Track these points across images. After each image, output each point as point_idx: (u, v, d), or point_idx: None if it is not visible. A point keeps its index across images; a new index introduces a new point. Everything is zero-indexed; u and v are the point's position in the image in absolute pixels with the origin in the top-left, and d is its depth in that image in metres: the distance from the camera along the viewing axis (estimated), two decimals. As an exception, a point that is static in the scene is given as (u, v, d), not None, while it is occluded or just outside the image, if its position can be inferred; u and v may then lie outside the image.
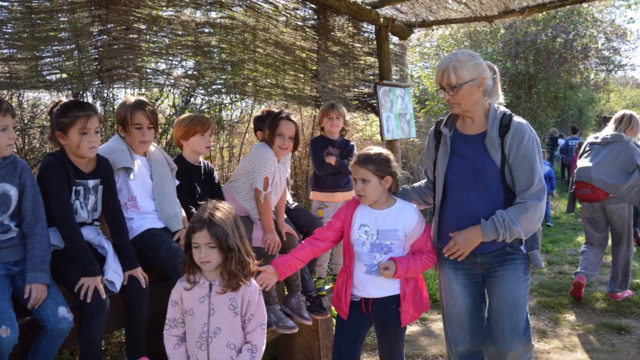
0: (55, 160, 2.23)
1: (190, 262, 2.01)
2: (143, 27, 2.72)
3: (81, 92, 3.70)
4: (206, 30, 3.05)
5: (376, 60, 4.53)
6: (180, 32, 2.89)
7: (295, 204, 3.30)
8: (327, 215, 3.38)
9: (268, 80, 3.55)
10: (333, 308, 2.66)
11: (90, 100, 4.07)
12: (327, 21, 4.00)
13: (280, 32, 3.59)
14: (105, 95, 4.27)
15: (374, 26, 4.44)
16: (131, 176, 2.51)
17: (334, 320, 2.72)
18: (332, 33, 4.07)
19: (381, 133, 4.33)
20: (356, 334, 2.42)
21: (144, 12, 2.69)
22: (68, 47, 2.42)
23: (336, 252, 3.58)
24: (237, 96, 4.91)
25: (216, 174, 3.01)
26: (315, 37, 3.92)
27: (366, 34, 4.49)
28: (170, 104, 4.97)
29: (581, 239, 7.12)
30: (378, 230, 2.33)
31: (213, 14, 3.15)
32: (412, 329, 4.06)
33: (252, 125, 3.90)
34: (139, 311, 2.33)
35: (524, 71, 12.95)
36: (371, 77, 4.54)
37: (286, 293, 3.02)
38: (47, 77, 2.38)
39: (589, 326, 4.02)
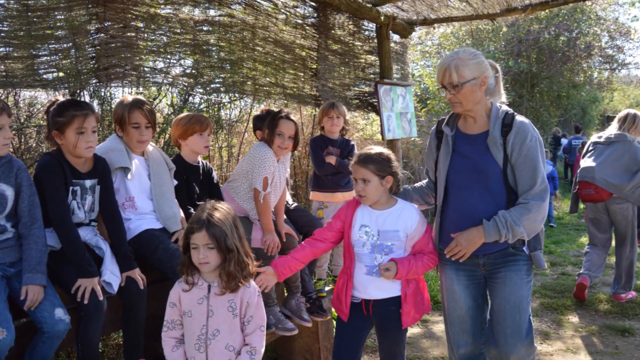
0: (52, 160, 2.21)
1: (189, 263, 1.99)
2: (141, 25, 2.70)
3: (78, 91, 3.68)
4: (205, 28, 3.03)
5: (377, 58, 4.50)
6: (178, 31, 2.87)
7: (295, 204, 3.28)
8: (327, 216, 3.35)
9: (267, 79, 3.52)
10: (333, 310, 2.63)
11: (87, 99, 4.06)
12: (327, 19, 3.97)
13: (279, 30, 3.56)
14: (102, 94, 4.26)
15: (374, 24, 4.41)
16: (129, 176, 2.49)
17: (334, 322, 2.69)
18: (332, 31, 4.04)
19: (382, 132, 4.30)
20: (356, 336, 2.39)
21: (141, 10, 2.67)
22: (65, 45, 2.40)
23: (336, 253, 3.55)
24: (236, 95, 4.89)
25: (215, 173, 2.98)
26: (315, 35, 3.89)
27: (367, 32, 4.46)
28: (169, 103, 4.95)
29: (584, 239, 7.09)
30: (379, 231, 2.30)
31: (212, 12, 3.13)
32: (413, 330, 4.03)
33: (251, 125, 3.87)
34: (137, 313, 2.31)
35: (527, 70, 12.92)
36: (372, 75, 4.51)
37: (286, 294, 3.00)
38: (44, 76, 2.36)
39: (593, 328, 3.99)
